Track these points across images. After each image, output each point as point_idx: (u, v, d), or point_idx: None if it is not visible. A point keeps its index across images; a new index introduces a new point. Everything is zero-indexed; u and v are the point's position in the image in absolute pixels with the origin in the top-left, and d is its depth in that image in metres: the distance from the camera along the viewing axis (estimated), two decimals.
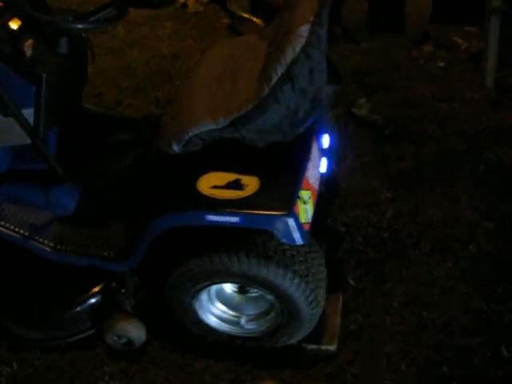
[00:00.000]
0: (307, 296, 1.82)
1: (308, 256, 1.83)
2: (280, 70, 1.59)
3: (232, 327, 2.05)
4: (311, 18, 1.61)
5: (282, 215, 1.63)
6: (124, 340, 2.02)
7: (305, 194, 1.72)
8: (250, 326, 2.04)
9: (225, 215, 1.68)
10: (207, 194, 1.71)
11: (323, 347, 2.05)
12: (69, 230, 2.04)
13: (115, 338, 2.02)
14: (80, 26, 1.85)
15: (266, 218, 1.66)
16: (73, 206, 2.03)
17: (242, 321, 2.04)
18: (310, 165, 1.82)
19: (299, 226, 1.65)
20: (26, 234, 2.01)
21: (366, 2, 3.60)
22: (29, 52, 1.81)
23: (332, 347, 2.04)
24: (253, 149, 1.74)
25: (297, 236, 1.66)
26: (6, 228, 2.02)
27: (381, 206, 2.58)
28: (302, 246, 1.77)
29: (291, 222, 1.63)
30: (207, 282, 1.90)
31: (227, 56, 1.99)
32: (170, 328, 2.13)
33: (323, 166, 2.00)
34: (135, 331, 2.01)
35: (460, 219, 2.50)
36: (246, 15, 3.93)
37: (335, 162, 2.33)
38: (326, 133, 2.01)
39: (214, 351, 2.08)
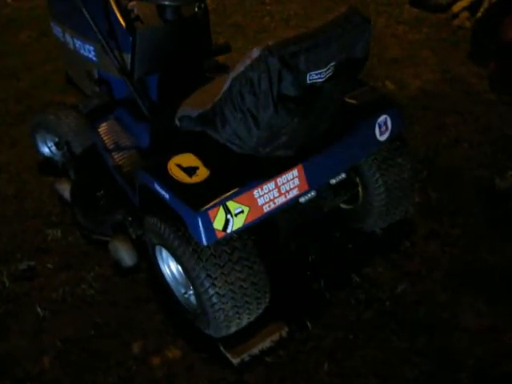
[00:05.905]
0: (206, 292, 1.92)
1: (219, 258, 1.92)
2: (227, 83, 1.72)
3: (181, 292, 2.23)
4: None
5: (193, 211, 1.79)
6: (115, 257, 2.42)
7: (235, 207, 1.83)
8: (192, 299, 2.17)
9: (162, 189, 1.90)
10: (169, 168, 1.93)
11: (228, 355, 2.11)
12: (137, 160, 2.42)
13: (111, 253, 2.44)
14: (167, 2, 2.17)
15: (183, 208, 1.84)
16: (147, 143, 2.33)
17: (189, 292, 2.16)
18: (269, 186, 1.90)
19: (208, 228, 1.79)
20: (111, 150, 2.44)
21: None
22: (135, 11, 2.28)
23: (234, 360, 2.09)
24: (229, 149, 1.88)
25: (202, 236, 1.79)
26: (102, 139, 2.47)
27: None
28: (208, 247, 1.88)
29: (198, 220, 1.78)
30: (155, 241, 2.14)
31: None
32: None
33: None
34: (124, 252, 2.39)
35: None
36: None
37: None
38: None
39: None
